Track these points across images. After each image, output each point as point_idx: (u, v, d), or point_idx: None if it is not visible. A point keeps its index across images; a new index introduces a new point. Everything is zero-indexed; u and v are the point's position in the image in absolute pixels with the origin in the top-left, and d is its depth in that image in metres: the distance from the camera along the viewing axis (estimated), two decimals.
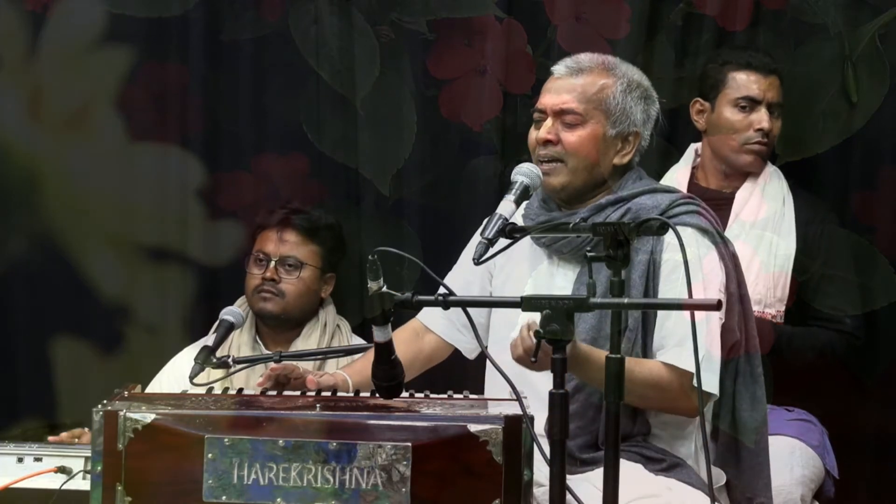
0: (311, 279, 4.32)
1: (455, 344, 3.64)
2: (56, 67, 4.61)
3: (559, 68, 3.48)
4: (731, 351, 3.36)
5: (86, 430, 3.81)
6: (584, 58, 3.49)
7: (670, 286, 3.31)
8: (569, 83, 3.44)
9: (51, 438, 3.73)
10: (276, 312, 4.28)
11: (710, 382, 3.28)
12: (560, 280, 3.42)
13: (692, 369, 3.21)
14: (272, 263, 4.29)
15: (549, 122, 3.43)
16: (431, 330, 3.64)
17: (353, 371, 3.46)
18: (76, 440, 3.73)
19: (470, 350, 3.63)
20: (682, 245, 2.91)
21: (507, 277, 3.53)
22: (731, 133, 4.18)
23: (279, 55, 4.58)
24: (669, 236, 3.17)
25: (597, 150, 3.42)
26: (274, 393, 3.24)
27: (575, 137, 3.41)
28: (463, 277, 3.59)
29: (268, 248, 4.32)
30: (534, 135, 3.46)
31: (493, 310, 3.52)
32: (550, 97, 3.45)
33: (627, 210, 3.37)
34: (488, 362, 3.12)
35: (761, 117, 4.17)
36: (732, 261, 3.42)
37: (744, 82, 4.18)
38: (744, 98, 4.17)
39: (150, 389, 4.02)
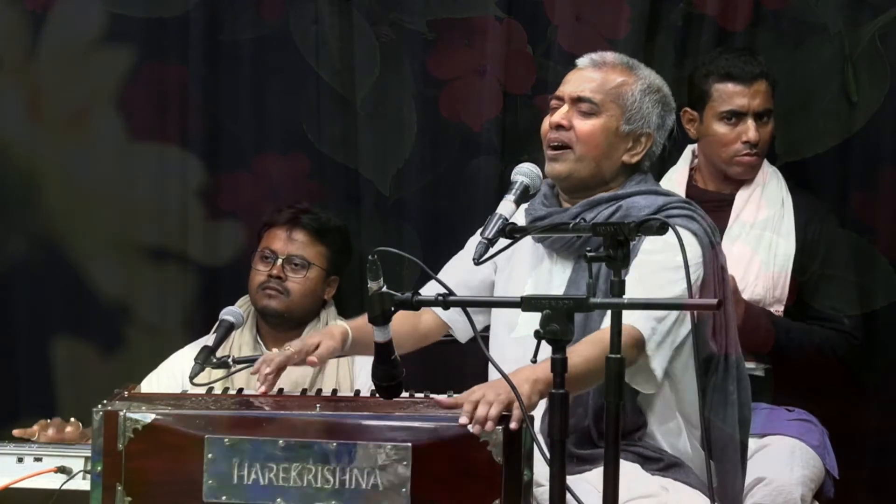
0: (316, 280, 4.31)
1: (450, 323, 3.60)
2: (56, 67, 4.61)
3: (583, 60, 3.50)
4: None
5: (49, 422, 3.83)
6: (610, 54, 3.51)
7: (656, 284, 3.24)
8: (589, 74, 3.46)
9: (15, 432, 3.74)
10: (280, 310, 4.27)
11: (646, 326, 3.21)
12: (557, 278, 3.42)
13: (640, 329, 3.17)
14: (279, 261, 4.28)
15: (564, 108, 3.43)
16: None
17: (355, 325, 3.43)
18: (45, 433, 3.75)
19: (463, 333, 3.59)
20: (682, 245, 2.91)
21: (508, 276, 3.53)
22: (720, 146, 4.17)
23: (279, 55, 4.58)
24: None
25: (607, 142, 3.41)
26: (274, 393, 3.24)
27: (587, 126, 3.41)
28: (464, 268, 3.54)
29: (275, 245, 4.31)
30: (547, 121, 3.46)
31: (493, 309, 3.52)
32: (569, 85, 3.46)
33: (619, 207, 3.36)
34: (489, 364, 3.11)
35: (747, 128, 4.13)
36: (720, 271, 3.36)
37: (727, 95, 4.13)
38: (728, 112, 4.14)
39: (144, 385, 4.02)
